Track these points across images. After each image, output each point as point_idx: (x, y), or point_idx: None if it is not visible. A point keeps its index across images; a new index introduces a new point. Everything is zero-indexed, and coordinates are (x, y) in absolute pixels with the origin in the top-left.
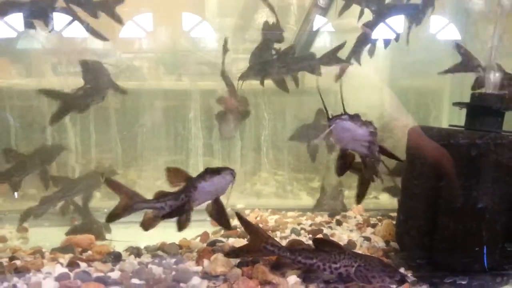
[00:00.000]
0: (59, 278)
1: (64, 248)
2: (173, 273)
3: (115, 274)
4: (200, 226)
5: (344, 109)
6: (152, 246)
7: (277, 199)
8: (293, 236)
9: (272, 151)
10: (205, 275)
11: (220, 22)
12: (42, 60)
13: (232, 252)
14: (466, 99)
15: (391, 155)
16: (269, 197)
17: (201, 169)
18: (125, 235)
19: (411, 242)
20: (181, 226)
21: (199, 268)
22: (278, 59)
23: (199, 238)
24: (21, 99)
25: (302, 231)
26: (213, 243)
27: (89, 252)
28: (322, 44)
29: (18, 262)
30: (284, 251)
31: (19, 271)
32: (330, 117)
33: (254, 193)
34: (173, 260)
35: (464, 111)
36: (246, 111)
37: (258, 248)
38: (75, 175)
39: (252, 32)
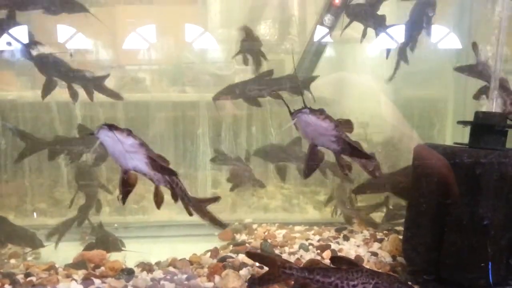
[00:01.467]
0: None
1: (77, 264)
2: None
3: None
4: (208, 241)
5: (304, 103)
6: (163, 262)
7: (284, 213)
8: (302, 252)
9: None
10: None
11: (223, 33)
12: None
13: (253, 282)
14: (470, 109)
15: (362, 154)
16: (276, 211)
17: (209, 182)
18: (137, 250)
19: (418, 258)
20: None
21: (211, 284)
22: (256, 81)
23: (209, 253)
24: (26, 111)
25: (310, 247)
26: (223, 259)
27: (102, 268)
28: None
29: (33, 279)
30: (302, 272)
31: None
32: (292, 111)
33: (261, 207)
34: (185, 276)
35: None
36: None
37: (277, 274)
38: None
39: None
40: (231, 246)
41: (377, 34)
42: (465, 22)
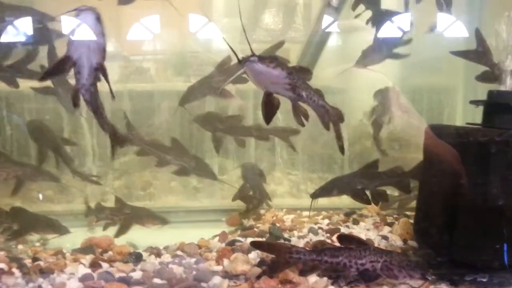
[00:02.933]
0: (83, 279)
1: (85, 249)
2: (194, 272)
3: (137, 274)
4: (216, 227)
5: (252, 51)
6: (171, 247)
7: (291, 198)
8: (311, 236)
9: (286, 150)
10: (226, 274)
11: (228, 22)
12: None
13: (266, 271)
14: (480, 95)
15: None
16: (283, 197)
17: (215, 168)
18: (146, 236)
19: (430, 240)
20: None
21: (220, 268)
22: (217, 72)
23: (217, 238)
24: (36, 102)
25: (320, 231)
26: (232, 243)
27: (110, 252)
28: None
29: (41, 263)
30: (309, 255)
31: (43, 272)
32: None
33: (268, 193)
34: (193, 260)
35: (478, 109)
36: None
37: (285, 260)
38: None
39: (259, 32)
40: (239, 231)
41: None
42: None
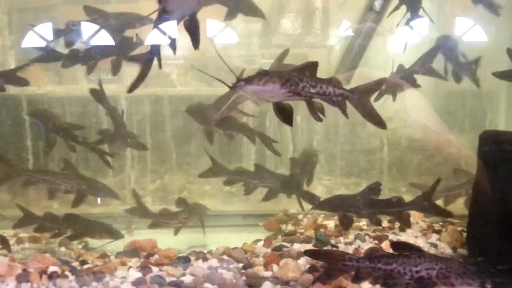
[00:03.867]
0: (137, 283)
1: (129, 252)
2: (243, 277)
3: (187, 279)
4: (252, 231)
5: (236, 76)
6: (216, 251)
7: None
8: (358, 242)
9: (323, 155)
10: (276, 280)
11: (246, 27)
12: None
13: (320, 278)
14: None
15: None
16: None
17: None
18: (183, 239)
19: (487, 248)
20: None
21: (269, 273)
22: None
23: (261, 242)
24: (53, 106)
25: (366, 237)
26: (279, 248)
27: (156, 256)
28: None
29: (91, 267)
30: (363, 262)
31: (94, 275)
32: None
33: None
34: (241, 265)
35: None
36: None
37: (338, 268)
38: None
39: (278, 37)
40: (279, 236)
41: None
42: None
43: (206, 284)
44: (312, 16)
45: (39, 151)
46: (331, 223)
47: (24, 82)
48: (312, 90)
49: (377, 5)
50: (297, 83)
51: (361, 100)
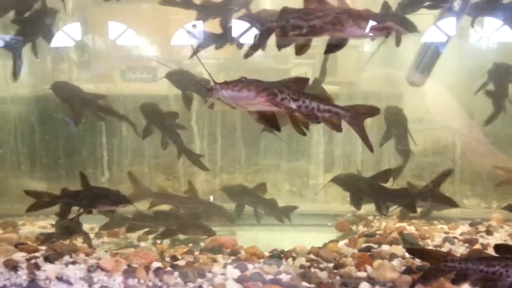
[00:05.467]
0: (241, 280)
1: (213, 249)
2: (337, 277)
3: (283, 277)
4: (322, 231)
5: (212, 79)
6: (301, 250)
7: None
8: (447, 245)
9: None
10: (372, 281)
11: None
12: (109, 66)
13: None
14: None
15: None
16: None
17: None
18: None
19: None
20: None
21: (363, 274)
22: None
23: (342, 243)
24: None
25: (455, 240)
26: (367, 249)
27: (242, 253)
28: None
29: (180, 263)
30: (465, 263)
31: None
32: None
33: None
34: (331, 264)
35: None
36: None
37: (439, 268)
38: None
39: None
40: (354, 236)
41: None
42: None
43: (303, 283)
44: None
45: (114, 148)
46: (404, 225)
47: None
48: (292, 104)
49: (456, 5)
50: (275, 94)
51: (355, 120)
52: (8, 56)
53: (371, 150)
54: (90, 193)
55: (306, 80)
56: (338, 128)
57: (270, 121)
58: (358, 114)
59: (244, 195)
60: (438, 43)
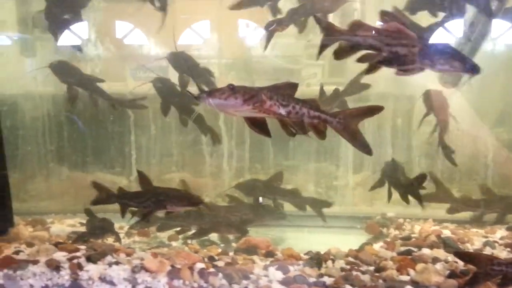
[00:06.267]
0: (286, 283)
1: (247, 250)
2: (380, 281)
3: (326, 279)
4: (351, 234)
5: (199, 87)
6: (339, 253)
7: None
8: (488, 250)
9: (424, 160)
10: (416, 285)
11: (290, 27)
12: (118, 65)
13: (467, 283)
14: None
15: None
16: (416, 206)
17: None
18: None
19: None
20: None
21: (406, 278)
22: None
23: (378, 245)
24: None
25: (496, 244)
26: (408, 252)
27: (278, 254)
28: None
29: (219, 263)
30: None
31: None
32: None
33: (398, 201)
34: (371, 268)
35: None
36: None
37: (486, 272)
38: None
39: (315, 37)
40: (387, 239)
41: None
42: None
43: (346, 286)
44: (350, 17)
45: (141, 146)
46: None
47: None
48: (282, 110)
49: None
50: (263, 101)
51: (347, 125)
52: (34, 53)
53: (368, 153)
54: (157, 193)
55: (295, 85)
56: (322, 135)
57: (260, 127)
58: (348, 118)
59: (259, 188)
60: (472, 43)
